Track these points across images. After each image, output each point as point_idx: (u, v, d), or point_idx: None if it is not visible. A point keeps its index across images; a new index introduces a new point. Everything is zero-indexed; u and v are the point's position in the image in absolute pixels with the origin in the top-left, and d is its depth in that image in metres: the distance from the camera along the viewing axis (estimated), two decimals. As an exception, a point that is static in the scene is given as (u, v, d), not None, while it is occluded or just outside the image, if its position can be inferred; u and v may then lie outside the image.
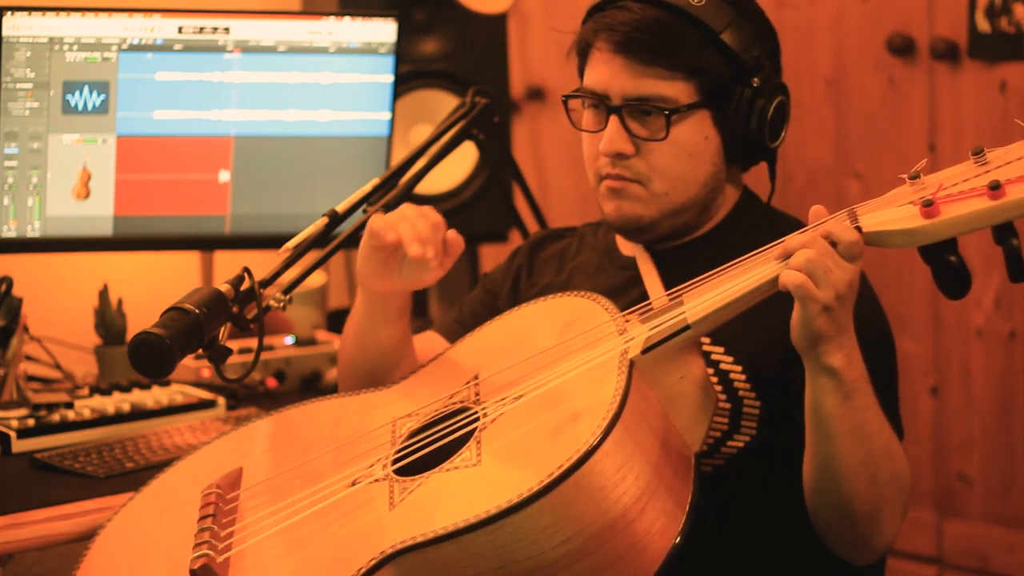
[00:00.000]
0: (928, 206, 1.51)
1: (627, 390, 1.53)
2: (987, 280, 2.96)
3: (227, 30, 2.53)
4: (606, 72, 1.81)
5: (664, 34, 1.78)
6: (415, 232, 1.75)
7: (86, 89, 2.47)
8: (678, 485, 1.55)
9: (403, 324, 1.91)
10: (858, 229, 1.56)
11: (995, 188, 1.48)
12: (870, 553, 1.70)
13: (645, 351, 1.60)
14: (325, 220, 1.95)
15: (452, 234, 1.79)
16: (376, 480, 1.63)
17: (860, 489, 1.63)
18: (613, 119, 1.81)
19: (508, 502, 1.46)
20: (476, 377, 1.71)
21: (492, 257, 2.81)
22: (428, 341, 2.03)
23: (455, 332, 2.00)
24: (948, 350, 3.05)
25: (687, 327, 1.61)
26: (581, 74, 1.87)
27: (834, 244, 1.55)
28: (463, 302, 2.07)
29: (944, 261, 1.54)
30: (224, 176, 2.59)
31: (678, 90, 1.79)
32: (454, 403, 1.69)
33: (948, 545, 3.09)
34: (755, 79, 1.81)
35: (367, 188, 2.05)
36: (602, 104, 1.82)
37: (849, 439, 1.60)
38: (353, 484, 1.64)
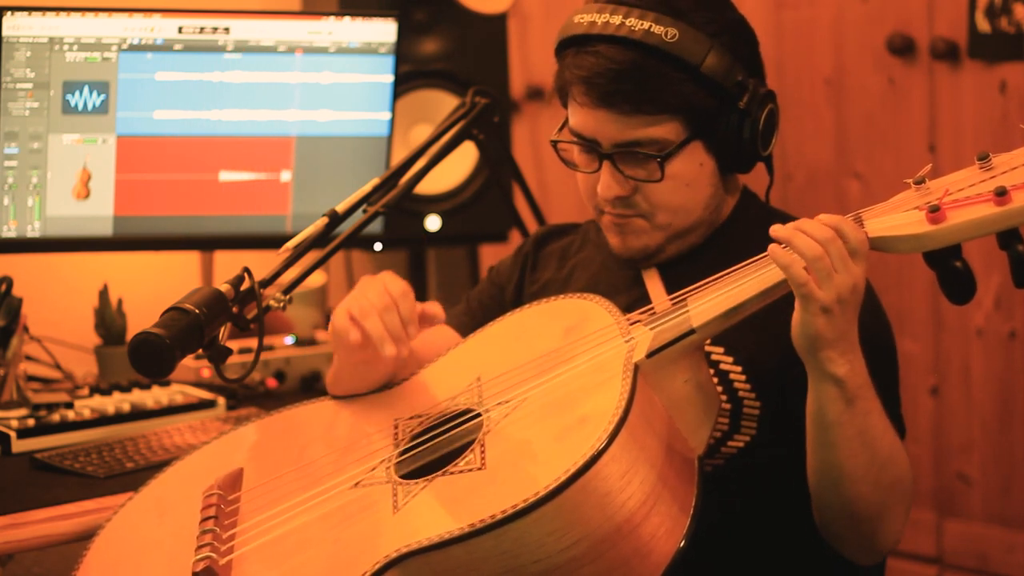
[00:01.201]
0: (935, 211, 1.50)
1: (632, 394, 1.53)
2: (987, 280, 2.96)
3: (227, 30, 2.53)
4: (591, 121, 1.78)
5: (643, 80, 1.73)
6: (382, 329, 1.68)
7: (86, 89, 2.47)
8: (682, 489, 1.55)
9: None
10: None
11: (1002, 194, 1.48)
12: (875, 553, 1.71)
13: (650, 355, 1.60)
14: (325, 220, 1.95)
15: (431, 307, 1.74)
16: (379, 483, 1.62)
17: (864, 493, 1.63)
18: (606, 165, 1.79)
19: (514, 507, 1.45)
20: (479, 379, 1.70)
21: (492, 257, 2.81)
22: (438, 333, 2.02)
23: (464, 323, 2.00)
24: (948, 350, 3.05)
25: (692, 331, 1.61)
26: (565, 106, 1.84)
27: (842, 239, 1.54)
28: (469, 295, 2.07)
29: (949, 266, 1.53)
30: (226, 176, 2.59)
31: (667, 130, 1.77)
32: (457, 405, 1.69)
33: (948, 545, 3.09)
34: (740, 103, 1.78)
35: (367, 188, 2.05)
36: (593, 150, 1.80)
37: (852, 444, 1.60)
38: (356, 486, 1.64)
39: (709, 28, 1.75)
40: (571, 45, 1.79)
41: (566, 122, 1.84)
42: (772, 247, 1.56)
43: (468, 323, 1.99)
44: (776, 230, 1.57)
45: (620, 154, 1.78)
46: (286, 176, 2.62)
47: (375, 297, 1.70)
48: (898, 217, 1.55)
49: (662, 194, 1.79)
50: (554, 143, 1.86)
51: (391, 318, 1.69)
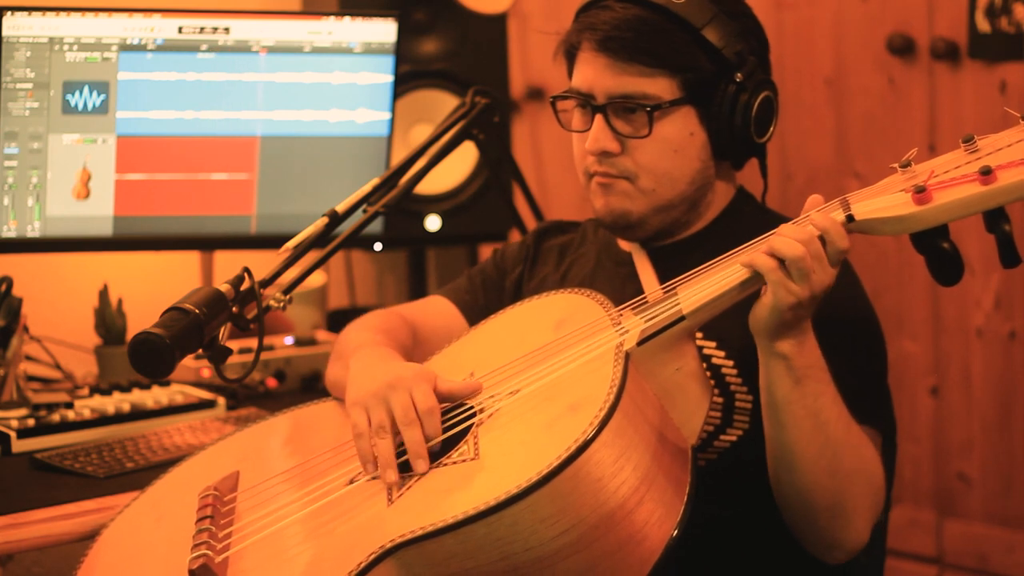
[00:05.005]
0: (920, 192, 1.52)
1: (623, 381, 1.54)
2: (987, 280, 2.96)
3: (227, 30, 2.53)
4: (590, 71, 1.82)
5: (645, 32, 1.79)
6: (391, 455, 1.60)
7: (86, 89, 2.47)
8: (675, 476, 1.56)
9: None
10: (850, 217, 1.57)
11: (986, 173, 1.49)
12: (839, 550, 1.70)
13: (640, 343, 1.61)
14: (325, 220, 1.95)
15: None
16: (374, 477, 1.63)
17: (819, 479, 1.64)
18: (598, 118, 1.82)
19: (506, 493, 1.46)
20: (471, 375, 1.71)
21: (492, 257, 2.82)
22: (435, 306, 2.03)
23: (466, 301, 2.01)
24: (948, 350, 3.05)
25: (682, 318, 1.62)
26: (570, 76, 1.89)
27: (823, 241, 1.56)
28: (472, 272, 2.08)
29: (937, 248, 1.54)
30: (222, 176, 2.59)
31: (661, 87, 1.80)
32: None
33: (948, 545, 3.09)
34: (739, 74, 1.81)
35: (367, 188, 2.05)
36: (588, 104, 1.83)
37: (803, 426, 1.61)
38: (351, 482, 1.64)
39: (720, 4, 1.81)
40: (583, 10, 1.85)
41: (567, 89, 1.88)
42: (754, 254, 1.58)
43: (469, 301, 2.01)
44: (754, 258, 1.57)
45: (613, 107, 1.81)
46: (286, 176, 2.62)
47: (399, 410, 1.63)
48: (884, 200, 1.56)
49: (649, 155, 1.81)
50: (553, 102, 1.89)
51: (414, 434, 1.61)
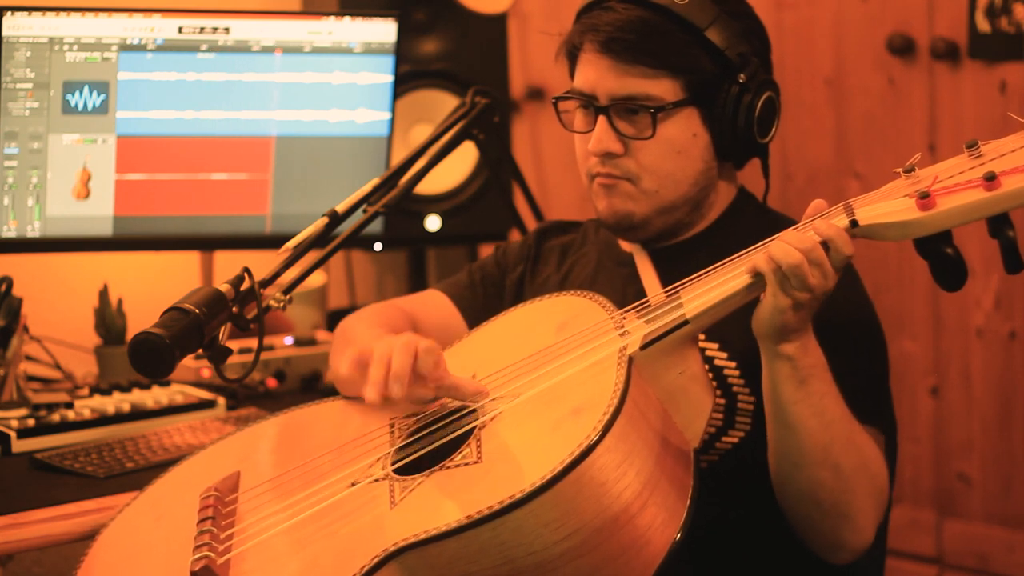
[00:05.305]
0: (924, 198, 1.52)
1: (627, 386, 1.53)
2: (987, 280, 2.96)
3: (227, 30, 2.53)
4: (593, 73, 1.82)
5: (648, 33, 1.79)
6: (382, 375, 1.61)
7: (86, 89, 2.47)
8: (679, 480, 1.56)
9: None
10: (854, 223, 1.57)
11: (990, 179, 1.49)
12: (843, 550, 1.70)
13: (644, 347, 1.61)
14: (325, 220, 1.95)
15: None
16: (376, 480, 1.63)
17: (824, 478, 1.64)
18: (601, 119, 1.82)
19: (510, 497, 1.46)
20: (474, 376, 1.70)
21: (492, 257, 2.82)
22: (433, 300, 2.03)
23: (464, 296, 2.01)
24: (948, 350, 3.05)
25: (685, 322, 1.62)
26: (572, 76, 1.89)
27: (827, 247, 1.56)
28: (472, 268, 2.07)
29: (940, 253, 1.55)
30: (221, 176, 2.59)
31: (664, 88, 1.80)
32: (453, 402, 1.69)
33: (948, 545, 3.09)
34: (741, 75, 1.81)
35: (367, 188, 2.05)
36: (590, 105, 1.83)
37: (808, 425, 1.62)
38: (353, 485, 1.64)
39: (723, 5, 1.81)
40: (586, 10, 1.85)
41: (570, 90, 1.88)
42: (755, 259, 1.59)
43: (468, 297, 2.01)
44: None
45: (616, 107, 1.81)
46: (286, 176, 2.62)
47: (400, 342, 1.63)
48: (888, 205, 1.56)
49: (652, 156, 1.81)
50: (555, 103, 1.89)
51: (404, 360, 1.61)
